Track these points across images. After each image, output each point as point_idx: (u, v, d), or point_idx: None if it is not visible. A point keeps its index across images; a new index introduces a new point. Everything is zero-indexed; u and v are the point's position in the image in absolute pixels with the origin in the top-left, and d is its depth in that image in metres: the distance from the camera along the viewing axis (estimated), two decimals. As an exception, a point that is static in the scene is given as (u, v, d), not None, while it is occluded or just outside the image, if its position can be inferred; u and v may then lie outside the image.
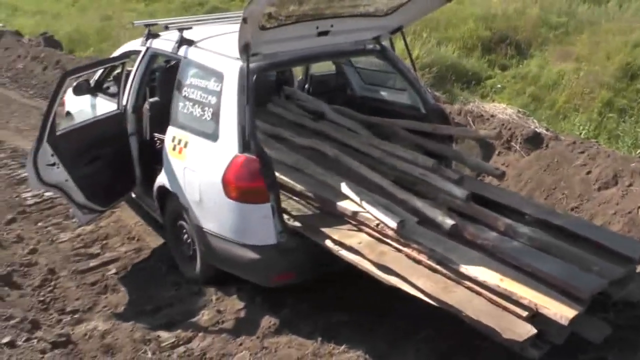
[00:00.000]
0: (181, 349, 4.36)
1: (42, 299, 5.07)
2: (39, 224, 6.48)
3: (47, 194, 6.62)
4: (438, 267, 3.90)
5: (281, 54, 4.93)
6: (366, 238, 4.30)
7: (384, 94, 6.15)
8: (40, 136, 5.00)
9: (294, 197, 4.84)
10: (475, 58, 14.23)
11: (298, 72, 7.11)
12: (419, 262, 4.01)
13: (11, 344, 4.18)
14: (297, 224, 4.57)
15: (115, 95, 5.82)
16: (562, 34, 15.05)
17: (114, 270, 5.46)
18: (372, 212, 4.28)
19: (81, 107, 6.52)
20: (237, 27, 4.37)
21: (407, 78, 5.56)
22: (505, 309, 3.55)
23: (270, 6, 4.39)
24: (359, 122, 5.73)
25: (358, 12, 5.09)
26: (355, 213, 4.39)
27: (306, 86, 6.81)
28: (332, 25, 4.96)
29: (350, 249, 4.19)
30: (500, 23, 15.32)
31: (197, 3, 21.03)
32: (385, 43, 5.55)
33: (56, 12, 21.23)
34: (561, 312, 3.40)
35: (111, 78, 6.57)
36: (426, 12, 5.66)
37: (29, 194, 7.11)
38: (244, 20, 4.21)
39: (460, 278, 3.79)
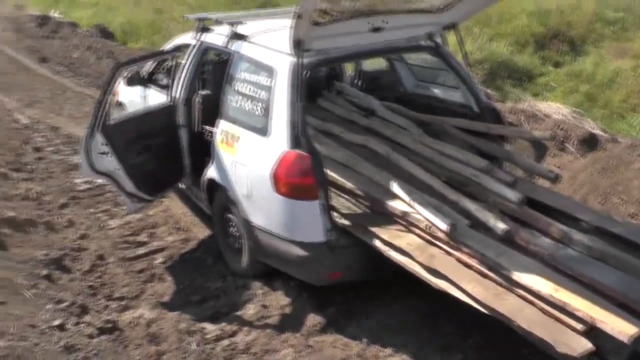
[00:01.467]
0: (225, 342, 4.37)
1: (90, 284, 5.16)
2: (90, 209, 6.59)
3: (98, 181, 6.72)
4: (489, 272, 3.81)
5: (333, 50, 4.89)
6: (416, 239, 4.22)
7: (435, 91, 6.06)
8: (93, 125, 5.08)
9: (344, 195, 4.80)
10: (528, 54, 13.95)
11: (349, 67, 7.05)
12: (469, 266, 3.92)
13: (61, 327, 4.26)
14: (346, 222, 4.52)
15: (166, 87, 5.87)
16: (619, 30, 14.66)
17: (161, 259, 5.52)
18: (422, 213, 4.20)
19: (132, 98, 6.59)
20: (289, 22, 4.34)
21: (460, 75, 5.46)
22: (558, 320, 3.42)
23: (325, 2, 4.35)
24: (410, 119, 5.66)
25: (411, 8, 5.01)
26: (405, 213, 4.32)
27: (357, 82, 6.76)
28: (385, 22, 4.89)
29: (399, 250, 4.13)
30: (554, 18, 14.99)
31: (249, -4, 21.12)
32: (438, 39, 5.46)
33: (111, 5, 21.59)
34: (620, 327, 3.22)
35: (162, 70, 6.63)
36: (481, 8, 5.56)
37: (81, 180, 7.25)
38: (299, 16, 4.18)
39: (512, 285, 3.68)
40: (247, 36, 5.16)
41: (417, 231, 4.27)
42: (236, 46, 5.15)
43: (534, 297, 3.58)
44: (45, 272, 5.06)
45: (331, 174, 4.73)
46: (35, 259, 5.25)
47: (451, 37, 5.52)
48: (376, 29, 4.88)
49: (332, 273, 4.47)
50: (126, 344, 4.36)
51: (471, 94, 5.45)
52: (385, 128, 5.52)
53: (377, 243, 4.25)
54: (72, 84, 12.67)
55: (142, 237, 5.93)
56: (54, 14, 20.70)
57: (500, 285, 3.74)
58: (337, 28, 4.66)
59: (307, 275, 4.58)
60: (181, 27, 14.96)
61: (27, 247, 5.47)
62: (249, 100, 4.80)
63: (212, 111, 5.27)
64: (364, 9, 4.71)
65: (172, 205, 6.46)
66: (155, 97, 6.11)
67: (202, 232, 5.91)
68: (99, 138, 5.09)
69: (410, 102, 6.01)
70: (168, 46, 6.33)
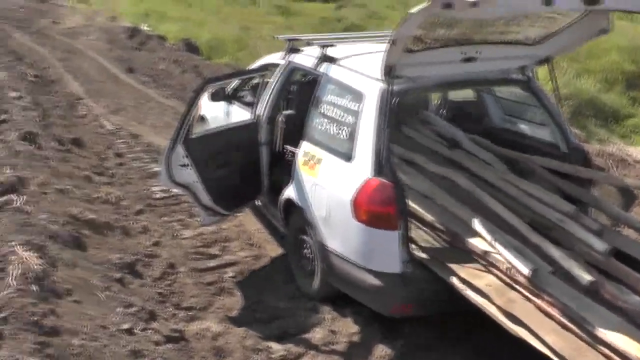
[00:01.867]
0: (290, 363, 4.31)
1: (160, 291, 5.21)
2: (164, 218, 6.70)
3: (174, 190, 6.82)
4: (571, 325, 3.64)
5: (424, 78, 4.83)
6: (495, 281, 4.09)
7: (523, 127, 5.88)
8: (176, 137, 5.18)
9: (423, 227, 4.70)
10: (616, 93, 13.36)
11: (435, 95, 6.95)
12: (550, 316, 3.75)
13: (129, 331, 4.31)
14: (424, 255, 4.43)
15: (250, 105, 5.94)
16: None
17: (231, 274, 5.54)
18: (503, 255, 4.06)
19: (215, 113, 6.70)
20: (380, 46, 4.32)
21: (550, 113, 5.30)
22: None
23: (420, 29, 4.30)
24: (495, 154, 5.50)
25: (507, 39, 4.90)
26: (485, 252, 4.19)
27: (442, 111, 6.65)
28: (478, 52, 4.82)
29: (477, 290, 4.01)
30: (647, 56, 14.41)
31: (335, 19, 21.37)
32: (530, 73, 5.31)
33: (200, 20, 22.18)
34: None
35: (247, 87, 6.73)
36: (579, 43, 5.35)
37: (158, 189, 7.37)
38: (393, 42, 4.16)
39: (595, 342, 3.49)
40: (337, 59, 5.16)
41: (497, 272, 4.13)
42: (325, 68, 5.16)
43: (619, 358, 3.38)
44: (118, 275, 5.16)
45: (412, 204, 4.64)
46: (110, 262, 5.36)
47: (540, 72, 5.39)
48: (468, 59, 4.81)
49: (404, 305, 4.39)
50: (191, 355, 4.37)
51: (560, 132, 5.27)
52: (470, 161, 5.39)
53: (454, 280, 4.14)
54: (156, 94, 13.01)
55: (214, 250, 5.97)
56: (144, 27, 21.41)
57: (582, 340, 3.57)
58: (429, 56, 4.62)
59: (378, 305, 4.50)
60: (266, 46, 15.25)
61: (104, 250, 5.60)
62: (335, 124, 4.78)
63: (295, 131, 5.28)
64: (458, 38, 4.66)
65: (246, 220, 6.48)
66: (238, 114, 6.20)
67: (274, 250, 5.91)
68: (181, 150, 5.18)
69: (495, 136, 5.86)
70: (256, 65, 6.41)
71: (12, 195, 5.77)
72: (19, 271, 4.40)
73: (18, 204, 5.62)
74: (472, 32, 4.68)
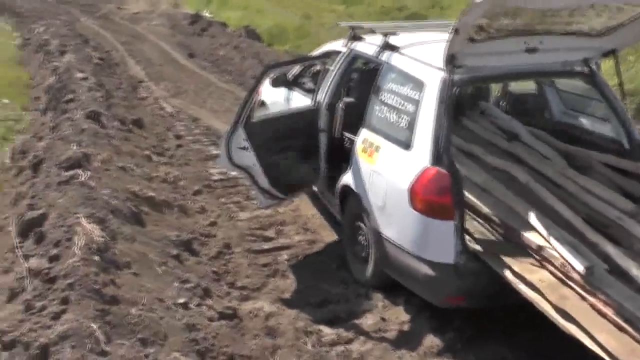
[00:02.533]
0: (340, 348, 4.36)
1: (215, 269, 5.35)
2: (221, 199, 6.86)
3: (232, 173, 6.94)
4: (626, 325, 3.55)
5: (485, 68, 4.78)
6: (548, 277, 4.03)
7: (584, 121, 5.76)
8: (237, 120, 5.27)
9: (478, 219, 4.66)
10: (685, 90, 12.97)
11: (495, 86, 6.87)
12: (604, 315, 3.68)
13: (184, 305, 4.43)
14: (478, 247, 4.39)
15: (311, 91, 5.98)
16: None
17: (285, 257, 5.62)
18: (558, 250, 4.01)
19: (275, 98, 6.77)
20: (442, 35, 4.29)
21: (613, 107, 5.18)
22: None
23: (483, 18, 4.27)
24: (554, 149, 5.42)
25: (571, 29, 4.80)
26: (540, 247, 4.14)
27: (502, 103, 6.56)
28: (541, 42, 4.73)
29: (530, 284, 3.96)
30: None
31: (396, 8, 21.20)
32: (594, 66, 5.19)
33: (260, 8, 22.37)
34: None
35: (308, 74, 6.77)
36: None
37: (216, 171, 7.55)
38: (456, 31, 4.14)
39: (652, 344, 3.42)
40: (398, 47, 5.15)
41: (551, 268, 4.07)
42: (387, 57, 5.16)
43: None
44: (175, 252, 5.29)
45: (468, 195, 4.62)
46: (168, 239, 5.50)
47: (604, 64, 5.27)
48: (531, 50, 4.72)
49: (456, 297, 4.37)
50: (244, 333, 4.47)
51: (623, 128, 5.15)
52: (528, 155, 5.32)
53: (508, 274, 4.09)
54: (216, 79, 13.22)
55: (270, 233, 6.07)
56: (206, 14, 21.76)
57: (638, 341, 3.49)
58: (492, 46, 4.57)
59: (430, 294, 4.50)
60: (328, 34, 15.28)
61: (162, 226, 5.74)
62: (395, 112, 4.78)
63: (354, 119, 5.30)
64: (522, 27, 4.59)
65: (303, 205, 6.57)
66: (298, 100, 6.25)
67: (329, 236, 5.97)
68: (241, 133, 5.27)
69: (555, 130, 5.76)
70: (317, 52, 6.44)
71: (78, 170, 5.96)
72: (83, 242, 4.54)
73: (83, 178, 5.80)
74: (535, 22, 4.60)
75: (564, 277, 3.97)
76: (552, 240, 4.10)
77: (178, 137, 9.06)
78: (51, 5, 27.99)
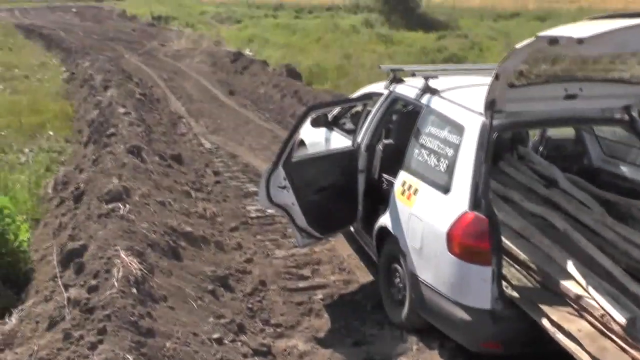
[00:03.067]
0: (374, 390, 4.33)
1: (250, 306, 5.38)
2: (258, 236, 6.93)
3: (269, 211, 7.00)
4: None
5: (524, 113, 4.78)
6: (587, 327, 3.97)
7: (623, 169, 5.71)
8: (277, 160, 5.35)
9: (515, 265, 4.63)
10: None
11: (533, 131, 6.85)
12: (646, 369, 3.60)
13: (219, 341, 4.45)
14: (515, 294, 4.34)
15: (350, 132, 6.04)
16: None
17: (320, 296, 5.63)
18: (598, 300, 3.95)
19: (315, 138, 6.85)
20: (482, 79, 4.31)
21: (654, 155, 5.12)
22: None
23: (524, 64, 4.30)
24: (593, 196, 5.37)
25: (611, 77, 4.81)
26: (579, 297, 4.08)
27: (540, 148, 6.54)
28: (581, 89, 4.74)
29: (568, 334, 3.90)
30: None
31: (436, 49, 21.39)
32: (634, 113, 5.15)
33: (301, 47, 22.78)
34: None
35: (347, 115, 6.85)
36: None
37: (253, 208, 7.63)
38: (496, 77, 4.18)
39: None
40: (439, 91, 5.20)
41: (590, 318, 4.00)
42: (427, 100, 5.20)
43: None
44: (211, 287, 5.34)
45: (505, 241, 4.59)
46: (204, 274, 5.55)
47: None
48: (570, 96, 4.74)
49: (492, 343, 4.32)
50: (277, 371, 4.46)
51: None
52: (566, 202, 5.28)
53: (545, 322, 4.05)
54: (255, 117, 13.41)
55: (305, 272, 6.10)
56: (247, 52, 22.19)
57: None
58: (531, 91, 4.60)
59: (465, 339, 4.46)
60: (367, 74, 15.47)
61: (198, 262, 5.80)
62: (434, 155, 4.81)
63: (392, 161, 5.34)
64: (562, 74, 4.62)
65: (339, 245, 6.59)
66: (338, 140, 6.32)
67: (364, 276, 5.96)
68: (281, 172, 5.34)
69: (594, 177, 5.73)
70: (358, 93, 6.52)
71: (118, 203, 6.07)
72: (122, 274, 4.62)
73: (123, 212, 5.90)
74: (575, 69, 4.63)
75: (603, 328, 3.90)
76: (591, 290, 4.04)
77: (216, 173, 9.19)
78: (97, 41, 28.88)
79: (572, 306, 4.15)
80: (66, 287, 4.72)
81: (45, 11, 64.19)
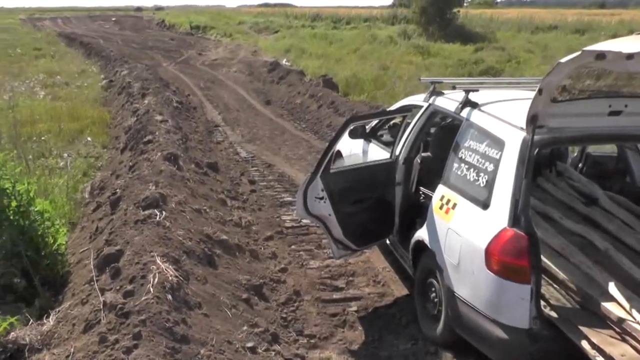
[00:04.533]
0: (406, 405, 4.29)
1: (284, 315, 5.38)
2: (293, 246, 6.93)
3: (304, 220, 7.00)
4: None
5: (567, 129, 4.63)
6: (630, 351, 3.85)
7: None
8: (316, 170, 5.35)
9: (554, 284, 4.54)
10: None
11: (572, 147, 6.75)
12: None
13: (252, 350, 4.45)
14: (554, 314, 4.26)
15: (387, 144, 6.00)
16: None
17: (354, 308, 5.60)
18: (642, 324, 3.86)
19: (352, 149, 6.83)
20: (522, 93, 4.23)
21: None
22: None
23: (568, 79, 4.22)
24: (636, 216, 5.26)
25: None
26: (621, 320, 3.98)
27: (580, 165, 6.43)
28: (626, 105, 4.63)
29: (609, 358, 3.79)
30: None
31: (473, 61, 21.29)
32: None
33: (338, 57, 22.84)
34: None
35: (385, 127, 6.83)
36: None
37: (288, 217, 7.65)
38: (539, 91, 4.10)
39: None
40: (479, 104, 5.13)
41: (634, 343, 3.89)
42: (467, 113, 5.13)
43: None
44: (245, 295, 5.34)
45: (544, 259, 4.50)
46: (239, 282, 5.56)
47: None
48: (615, 113, 4.63)
49: (528, 362, 4.23)
50: (311, 382, 4.45)
51: None
52: (608, 221, 5.18)
53: (585, 345, 3.94)
54: (291, 127, 13.46)
55: (340, 283, 6.07)
56: (284, 62, 22.33)
57: None
58: (574, 107, 4.49)
59: (501, 358, 4.37)
60: (404, 85, 15.43)
61: (233, 270, 5.82)
62: (473, 170, 4.74)
63: (430, 174, 5.29)
64: (606, 89, 4.51)
65: (374, 257, 6.56)
66: (375, 152, 6.30)
67: (399, 289, 5.92)
68: (319, 184, 5.34)
69: (637, 195, 5.60)
70: (397, 105, 6.50)
71: (154, 210, 6.12)
72: (157, 280, 4.65)
73: (159, 218, 5.95)
74: (620, 85, 4.51)
75: (648, 353, 3.80)
76: (635, 313, 3.95)
77: (252, 182, 9.23)
78: (136, 49, 29.37)
79: (614, 329, 4.05)
80: (102, 291, 4.75)
81: (86, 20, 65.53)
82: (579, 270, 4.53)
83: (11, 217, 5.49)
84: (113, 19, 66.91)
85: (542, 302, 4.27)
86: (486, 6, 77.05)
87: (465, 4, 48.14)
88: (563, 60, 3.89)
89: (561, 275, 4.50)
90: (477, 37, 34.43)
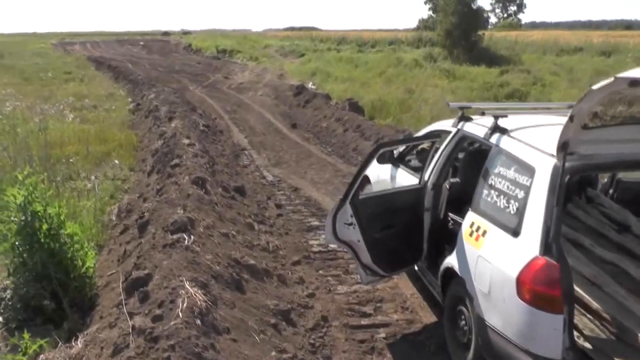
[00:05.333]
0: None
1: (312, 342, 5.35)
2: (320, 271, 6.92)
3: (331, 245, 6.98)
4: None
5: (598, 156, 4.56)
6: (667, 383, 3.79)
7: None
8: (345, 196, 5.35)
9: (588, 314, 4.46)
10: None
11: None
12: None
13: (281, 376, 4.41)
14: (588, 345, 4.18)
15: (415, 169, 5.98)
16: None
17: (383, 335, 5.55)
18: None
19: (380, 174, 6.82)
20: (552, 118, 4.17)
21: None
22: None
23: (599, 105, 4.17)
24: (671, 245, 5.16)
25: None
26: (659, 351, 3.91)
27: (610, 191, 6.34)
28: None
29: (645, 390, 3.73)
30: None
31: (499, 84, 21.25)
32: None
33: (364, 81, 22.93)
34: None
35: (413, 152, 6.81)
36: None
37: (315, 242, 7.64)
38: (570, 118, 4.05)
39: None
40: (509, 130, 5.08)
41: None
42: (496, 139, 5.08)
43: None
44: (273, 320, 5.33)
45: (577, 289, 4.43)
46: (266, 307, 5.55)
47: None
48: None
49: (561, 394, 4.14)
50: (337, 410, 4.41)
51: None
52: (641, 249, 5.09)
53: (621, 377, 3.88)
54: (317, 151, 13.50)
55: (368, 309, 6.03)
56: (310, 85, 22.46)
57: None
58: (606, 133, 4.43)
59: (533, 388, 4.29)
60: (430, 109, 15.43)
61: (261, 294, 5.81)
62: (503, 197, 4.69)
63: (458, 200, 5.25)
64: (638, 116, 4.46)
65: (402, 283, 6.52)
66: (403, 178, 6.28)
67: (428, 316, 5.86)
68: (348, 210, 5.34)
69: None
70: (425, 131, 6.49)
71: (183, 234, 6.15)
72: (186, 304, 4.66)
73: (188, 242, 5.98)
74: (654, 110, 4.48)
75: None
76: (671, 345, 3.86)
77: (279, 206, 9.25)
78: (163, 73, 29.78)
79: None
80: (131, 315, 4.78)
81: (115, 44, 66.66)
82: (613, 300, 4.45)
83: (42, 240, 5.55)
84: (141, 43, 68.00)
85: (576, 333, 4.19)
86: (510, 28, 76.96)
87: (489, 27, 48.18)
88: (595, 87, 3.84)
89: (595, 305, 4.42)
90: (502, 59, 34.41)
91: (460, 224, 5.07)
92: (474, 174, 5.18)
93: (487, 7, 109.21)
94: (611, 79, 3.71)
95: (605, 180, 6.53)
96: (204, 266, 5.58)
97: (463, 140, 5.78)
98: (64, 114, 16.97)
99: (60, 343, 4.75)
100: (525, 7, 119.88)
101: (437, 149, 5.85)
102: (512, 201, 4.58)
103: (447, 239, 5.26)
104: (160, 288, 5.06)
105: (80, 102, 19.44)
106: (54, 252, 5.62)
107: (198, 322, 4.50)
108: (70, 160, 11.12)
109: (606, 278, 4.65)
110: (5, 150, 10.48)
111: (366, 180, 7.03)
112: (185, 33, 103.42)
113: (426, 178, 5.68)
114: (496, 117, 5.24)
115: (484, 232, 4.71)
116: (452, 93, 19.52)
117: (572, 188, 6.18)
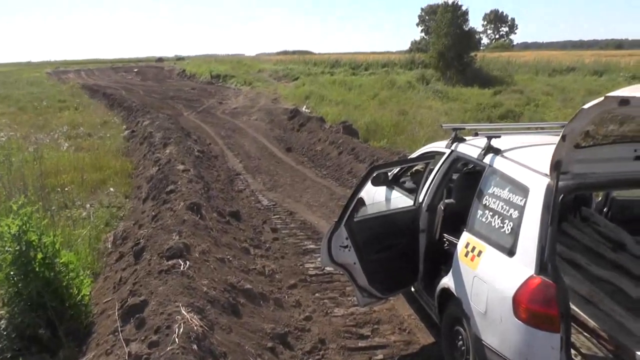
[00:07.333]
0: None
1: (309, 364, 5.30)
2: (317, 294, 6.89)
3: (327, 268, 6.97)
4: None
5: (591, 175, 4.59)
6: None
7: None
8: (340, 219, 5.35)
9: (585, 333, 4.46)
10: None
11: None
12: None
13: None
14: (585, 363, 4.18)
15: (410, 191, 5.99)
16: None
17: (380, 356, 5.53)
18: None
19: (374, 196, 6.83)
20: (545, 138, 4.19)
21: None
22: None
23: (591, 125, 4.20)
24: (665, 261, 5.17)
25: None
26: (657, 369, 3.90)
27: (605, 210, 6.37)
28: None
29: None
30: None
31: (492, 105, 21.38)
32: None
33: (358, 104, 23.04)
34: None
35: (407, 174, 6.83)
36: None
37: (311, 265, 7.62)
38: (562, 138, 4.08)
39: None
40: (502, 151, 5.12)
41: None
42: (490, 159, 5.12)
43: None
44: (270, 344, 5.31)
45: (573, 307, 4.43)
46: (263, 331, 5.53)
47: None
48: None
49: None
50: None
51: None
52: (637, 267, 5.10)
53: (619, 395, 3.87)
54: (312, 174, 13.51)
55: (365, 331, 6.00)
56: (304, 109, 22.56)
57: None
58: (598, 152, 4.46)
59: (532, 408, 4.26)
60: (424, 131, 15.49)
61: (257, 318, 5.79)
62: (498, 217, 4.71)
63: (453, 220, 5.26)
64: (631, 134, 4.48)
65: (398, 304, 6.50)
66: (398, 199, 6.29)
67: (425, 337, 5.84)
68: (343, 232, 5.34)
69: None
70: (419, 152, 6.51)
71: (178, 259, 6.14)
72: (182, 330, 4.64)
73: (183, 268, 5.96)
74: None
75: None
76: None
77: (274, 230, 9.24)
78: (157, 100, 29.86)
79: (649, 379, 3.96)
80: (127, 341, 4.74)
81: (109, 71, 66.88)
82: (610, 318, 4.45)
83: (37, 269, 5.53)
84: (135, 70, 68.25)
85: (573, 351, 4.18)
86: (502, 49, 77.65)
87: (481, 47, 48.51)
88: (586, 106, 3.87)
89: (592, 323, 4.42)
90: (495, 80, 34.64)
91: (455, 245, 5.08)
92: (468, 195, 5.19)
93: (479, 29, 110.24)
94: (601, 98, 3.74)
95: (600, 198, 6.55)
96: (200, 291, 5.56)
97: (457, 161, 5.81)
98: (58, 142, 16.97)
99: (55, 372, 4.71)
100: (516, 27, 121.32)
101: (431, 170, 5.88)
102: (506, 221, 4.59)
103: (443, 259, 5.26)
104: (156, 314, 5.04)
105: (74, 130, 19.46)
106: (49, 281, 5.58)
107: (194, 347, 4.48)
108: (65, 188, 11.10)
109: (602, 296, 4.65)
110: (0, 180, 10.45)
111: (361, 202, 7.04)
112: (179, 59, 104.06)
113: (421, 199, 5.70)
114: (489, 138, 5.28)
115: (480, 252, 4.72)
116: (446, 114, 19.63)
117: (567, 207, 6.20)
